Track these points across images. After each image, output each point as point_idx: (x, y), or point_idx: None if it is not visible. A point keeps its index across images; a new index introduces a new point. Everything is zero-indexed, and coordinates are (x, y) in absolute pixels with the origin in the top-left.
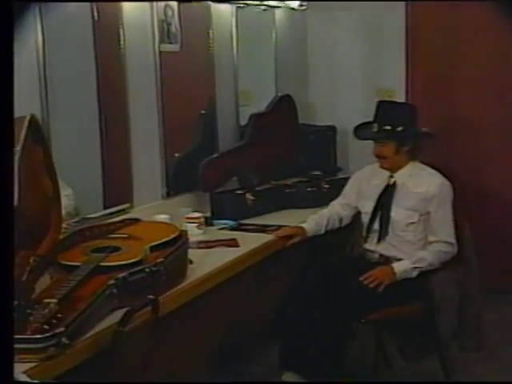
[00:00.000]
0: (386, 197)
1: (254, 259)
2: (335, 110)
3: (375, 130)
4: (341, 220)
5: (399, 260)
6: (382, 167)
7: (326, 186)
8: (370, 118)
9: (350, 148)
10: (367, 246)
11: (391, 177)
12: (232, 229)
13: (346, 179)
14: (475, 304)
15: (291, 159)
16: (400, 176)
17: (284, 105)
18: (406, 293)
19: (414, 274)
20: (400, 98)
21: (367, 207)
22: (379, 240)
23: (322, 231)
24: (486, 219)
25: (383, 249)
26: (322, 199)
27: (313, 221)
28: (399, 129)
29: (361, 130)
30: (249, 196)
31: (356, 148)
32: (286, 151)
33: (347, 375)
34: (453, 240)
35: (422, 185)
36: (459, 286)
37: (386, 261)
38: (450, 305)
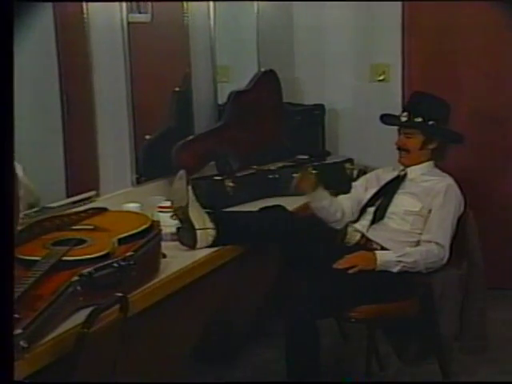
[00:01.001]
0: (392, 186)
1: (235, 252)
2: (324, 87)
3: (405, 119)
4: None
5: (377, 244)
6: (400, 161)
7: (313, 171)
8: (363, 97)
9: (339, 130)
10: (356, 225)
11: (403, 170)
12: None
13: (336, 164)
14: (480, 302)
15: (275, 142)
16: (413, 171)
17: (267, 81)
18: (401, 287)
19: (396, 268)
20: (395, 74)
21: (368, 194)
22: (372, 223)
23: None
24: (492, 209)
25: (370, 232)
26: None
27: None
28: (430, 123)
29: (387, 118)
30: (228, 183)
31: (346, 130)
32: (270, 133)
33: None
34: (446, 244)
35: (430, 181)
36: (462, 283)
37: (366, 243)
38: (451, 303)
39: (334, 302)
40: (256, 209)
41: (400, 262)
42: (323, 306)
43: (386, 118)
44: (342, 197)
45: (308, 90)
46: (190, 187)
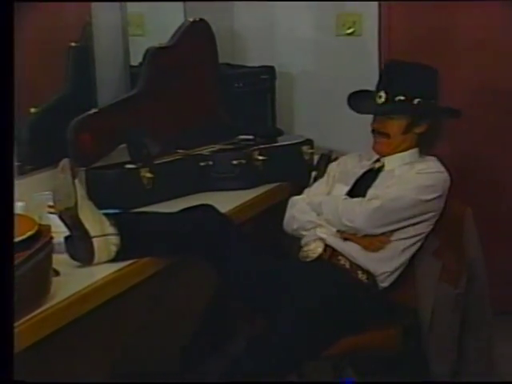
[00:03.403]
0: (365, 181)
1: (155, 266)
2: (274, 43)
3: (382, 100)
4: None
5: (346, 260)
6: (376, 149)
7: (261, 157)
8: (326, 57)
9: (295, 100)
10: (318, 232)
11: (378, 161)
12: None
13: (290, 147)
14: (484, 330)
15: (208, 117)
16: (391, 161)
17: (196, 35)
18: (378, 311)
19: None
20: (369, 25)
21: (339, 190)
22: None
23: None
24: (498, 206)
25: (338, 242)
26: (256, 176)
27: None
28: (416, 101)
29: (359, 100)
30: (144, 173)
31: (304, 101)
32: (201, 105)
33: None
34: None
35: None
36: (459, 305)
37: (332, 257)
38: (445, 331)
39: (301, 346)
40: (178, 209)
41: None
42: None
43: (356, 101)
44: (300, 199)
45: (252, 47)
46: (77, 181)
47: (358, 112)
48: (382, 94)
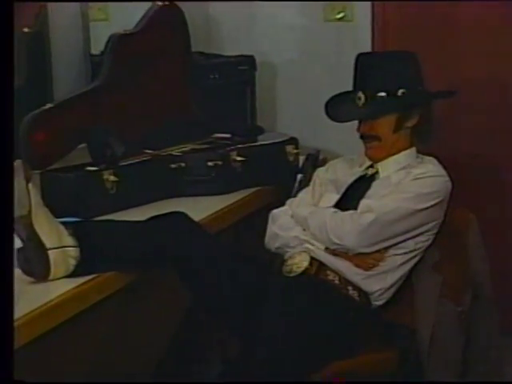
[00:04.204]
0: (357, 190)
1: (119, 282)
2: (254, 30)
3: (362, 101)
4: None
5: (335, 275)
6: (369, 155)
7: (239, 157)
8: (313, 44)
9: (278, 94)
10: (305, 245)
11: (371, 167)
12: None
13: (272, 146)
14: (490, 353)
15: (180, 112)
16: (386, 166)
17: (166, 20)
18: (368, 334)
19: None
20: (361, 10)
21: (327, 201)
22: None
23: None
24: (508, 212)
25: (326, 256)
26: (233, 180)
27: None
28: (400, 92)
29: (337, 105)
30: (107, 176)
31: (288, 94)
32: (171, 99)
33: None
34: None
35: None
36: (463, 324)
37: (319, 272)
38: (446, 353)
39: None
40: (145, 217)
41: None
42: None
43: (334, 107)
44: (283, 212)
45: (230, 34)
46: (31, 185)
47: (337, 121)
48: (361, 94)
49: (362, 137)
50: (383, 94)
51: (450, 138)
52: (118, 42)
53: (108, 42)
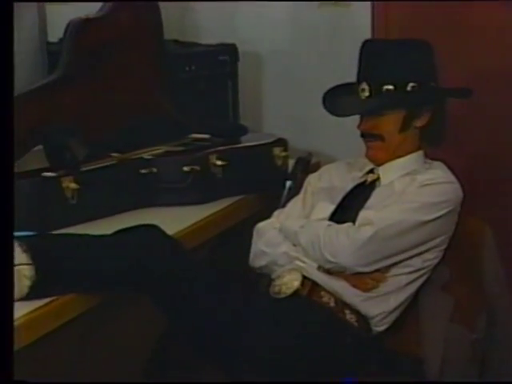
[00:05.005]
0: (354, 199)
1: (81, 305)
2: (235, 14)
3: (366, 94)
4: None
5: (330, 296)
6: (370, 156)
7: (220, 161)
8: (304, 31)
9: (263, 89)
10: (297, 262)
11: (371, 172)
12: None
13: (258, 149)
14: None
15: (150, 109)
16: (389, 171)
17: (135, 3)
18: (368, 364)
19: None
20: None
21: (321, 212)
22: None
23: None
24: None
25: (320, 275)
26: (213, 187)
27: None
28: (410, 87)
29: (337, 98)
30: (67, 183)
31: (276, 89)
32: (140, 94)
33: None
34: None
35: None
36: (477, 353)
37: (312, 293)
38: None
39: None
40: (111, 231)
41: None
42: None
43: (334, 99)
44: (269, 226)
45: (208, 20)
46: None
47: (335, 115)
48: (365, 85)
49: (362, 135)
50: (390, 86)
51: (462, 139)
52: (79, 28)
53: (67, 27)
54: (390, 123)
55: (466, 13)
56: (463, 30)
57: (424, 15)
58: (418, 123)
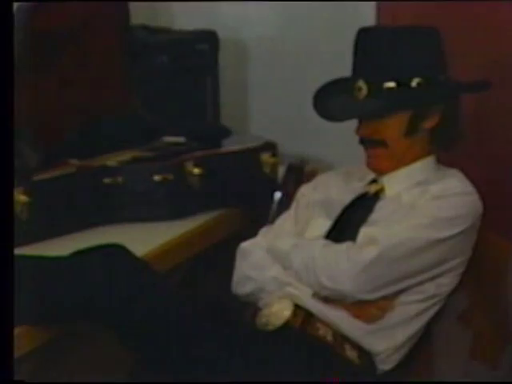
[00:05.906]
0: (354, 214)
1: (34, 340)
2: None
3: (364, 93)
4: None
5: (327, 329)
6: (371, 166)
7: (197, 169)
8: (297, 18)
9: (249, 83)
10: (288, 288)
11: (374, 181)
12: None
13: (243, 155)
14: None
15: (115, 107)
16: (395, 181)
17: None
18: None
19: None
20: None
21: (316, 229)
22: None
23: None
24: None
25: (314, 304)
26: (189, 200)
27: None
28: (415, 83)
29: (330, 99)
30: (17, 195)
31: (262, 83)
32: (102, 90)
33: None
34: None
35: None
36: None
37: (305, 324)
38: None
39: None
40: (69, 252)
41: None
42: None
43: (326, 99)
44: (255, 246)
45: (183, 3)
46: None
47: (329, 120)
48: (362, 84)
49: (362, 141)
50: (392, 84)
51: (481, 142)
52: (30, 13)
53: (16, 13)
54: (393, 127)
55: (479, 12)
56: (473, 30)
57: (430, 17)
58: (427, 124)
